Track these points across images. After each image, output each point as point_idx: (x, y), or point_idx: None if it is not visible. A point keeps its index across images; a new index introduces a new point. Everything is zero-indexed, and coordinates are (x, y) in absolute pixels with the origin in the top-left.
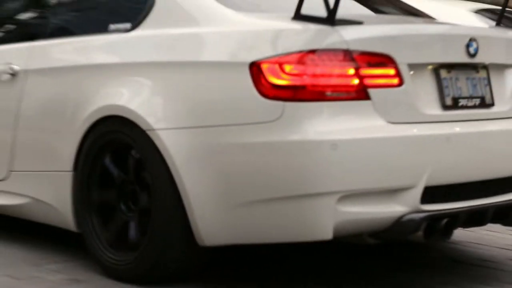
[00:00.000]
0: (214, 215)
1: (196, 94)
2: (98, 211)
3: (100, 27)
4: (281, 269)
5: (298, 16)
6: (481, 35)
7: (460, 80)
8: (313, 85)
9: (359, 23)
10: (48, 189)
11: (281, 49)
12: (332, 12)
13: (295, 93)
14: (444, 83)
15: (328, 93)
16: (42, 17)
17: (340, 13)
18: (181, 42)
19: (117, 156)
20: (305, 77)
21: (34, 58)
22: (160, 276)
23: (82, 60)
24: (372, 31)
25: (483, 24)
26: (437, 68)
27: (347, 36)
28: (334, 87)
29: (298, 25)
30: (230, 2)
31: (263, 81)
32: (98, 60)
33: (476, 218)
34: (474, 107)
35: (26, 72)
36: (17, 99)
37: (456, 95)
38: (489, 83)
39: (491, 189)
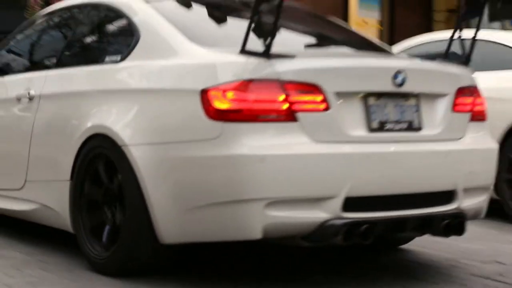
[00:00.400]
0: (170, 217)
1: (159, 115)
2: (87, 213)
3: (99, 59)
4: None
5: (243, 51)
6: (409, 68)
7: (388, 107)
8: (248, 109)
9: (291, 56)
10: (52, 196)
11: (225, 79)
12: (267, 47)
13: (233, 116)
14: (372, 109)
15: (261, 116)
16: (55, 50)
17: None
18: (150, 72)
19: (103, 167)
20: (242, 102)
21: (45, 85)
22: (133, 268)
23: (79, 86)
24: (302, 64)
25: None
26: (366, 96)
27: (279, 68)
28: (266, 111)
29: (241, 59)
30: (197, 38)
31: (209, 105)
32: (91, 87)
33: (396, 226)
34: (401, 130)
35: (40, 97)
36: (31, 119)
37: (383, 120)
38: (418, 110)
39: (411, 202)
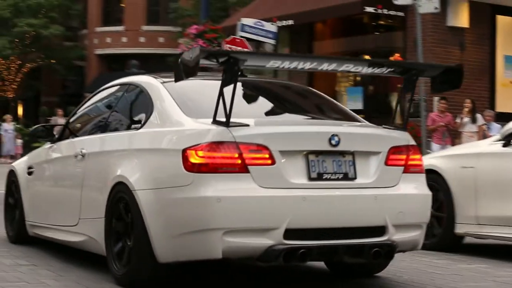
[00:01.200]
0: (162, 243)
1: (156, 167)
2: (114, 241)
3: (127, 126)
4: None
5: (214, 121)
6: (344, 132)
7: (327, 162)
8: (212, 163)
9: (246, 125)
10: (95, 229)
11: (198, 141)
12: (227, 119)
13: (201, 168)
14: (312, 163)
15: (221, 168)
16: (101, 118)
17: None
18: (155, 136)
19: (123, 206)
20: (208, 158)
21: (91, 146)
22: (141, 280)
23: (111, 147)
24: (253, 130)
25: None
26: (307, 153)
27: (236, 134)
28: (224, 165)
29: (211, 127)
30: (189, 111)
31: (186, 160)
32: (118, 147)
33: (329, 252)
34: (337, 179)
35: (88, 154)
36: (83, 171)
37: (321, 171)
38: (353, 164)
39: (344, 234)
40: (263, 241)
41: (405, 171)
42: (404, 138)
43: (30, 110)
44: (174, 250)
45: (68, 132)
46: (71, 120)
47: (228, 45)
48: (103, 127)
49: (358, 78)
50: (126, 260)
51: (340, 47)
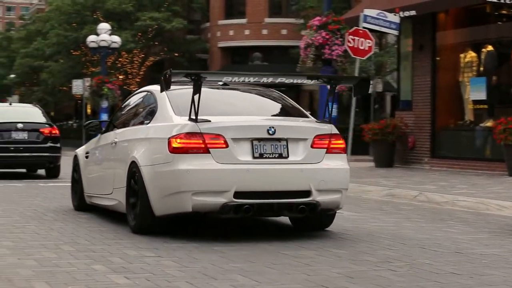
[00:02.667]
0: (156, 201)
1: (153, 150)
2: (130, 202)
3: (141, 122)
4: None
5: (189, 118)
6: (279, 125)
7: (267, 145)
8: (185, 147)
9: (208, 120)
10: (121, 195)
11: (177, 132)
12: (196, 116)
13: (178, 150)
14: (255, 147)
15: (191, 150)
16: (128, 116)
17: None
18: (155, 129)
19: (134, 177)
20: (182, 144)
21: (120, 136)
22: (147, 228)
23: (129, 137)
24: (213, 124)
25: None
26: (252, 140)
27: (201, 127)
28: (193, 148)
29: (186, 123)
30: (178, 112)
31: (170, 145)
32: (133, 137)
33: (267, 208)
34: (274, 158)
35: (118, 142)
36: (114, 154)
37: (262, 152)
38: (287, 147)
39: (278, 195)
40: (219, 200)
41: (327, 152)
42: (327, 128)
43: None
44: (163, 206)
45: (112, 126)
46: (114, 117)
47: (350, 36)
48: (128, 123)
49: (482, 69)
50: (136, 215)
51: (462, 37)
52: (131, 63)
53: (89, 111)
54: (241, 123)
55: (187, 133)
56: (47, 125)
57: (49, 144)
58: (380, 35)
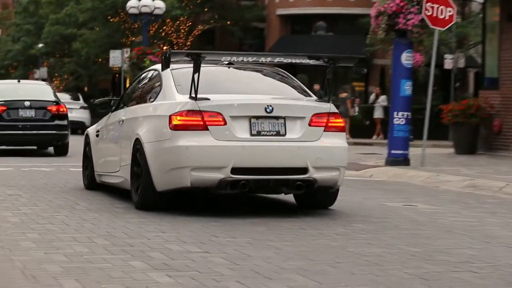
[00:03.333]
0: (157, 177)
1: (154, 127)
2: (134, 179)
3: (147, 100)
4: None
5: (190, 96)
6: (277, 103)
7: (264, 123)
8: (185, 124)
9: (207, 99)
10: (127, 172)
11: (177, 110)
12: (195, 94)
13: (178, 127)
14: (253, 124)
15: (190, 127)
16: (135, 94)
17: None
18: (158, 107)
19: (138, 154)
20: (182, 121)
21: (126, 114)
22: (149, 204)
23: (134, 115)
24: (212, 102)
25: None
26: (250, 117)
27: (200, 105)
28: (192, 125)
29: (187, 100)
30: (180, 90)
31: (170, 122)
32: (138, 115)
33: (264, 184)
34: (271, 135)
35: (124, 120)
36: (121, 132)
37: (260, 130)
38: (284, 125)
39: (275, 172)
40: (217, 175)
41: (326, 130)
42: (325, 107)
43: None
44: (164, 182)
45: (121, 104)
46: (123, 94)
47: (429, 4)
48: (135, 100)
49: None
50: (139, 191)
51: None
52: (176, 32)
53: (128, 86)
54: (240, 101)
55: (187, 111)
56: (54, 103)
57: (56, 122)
58: (462, 3)
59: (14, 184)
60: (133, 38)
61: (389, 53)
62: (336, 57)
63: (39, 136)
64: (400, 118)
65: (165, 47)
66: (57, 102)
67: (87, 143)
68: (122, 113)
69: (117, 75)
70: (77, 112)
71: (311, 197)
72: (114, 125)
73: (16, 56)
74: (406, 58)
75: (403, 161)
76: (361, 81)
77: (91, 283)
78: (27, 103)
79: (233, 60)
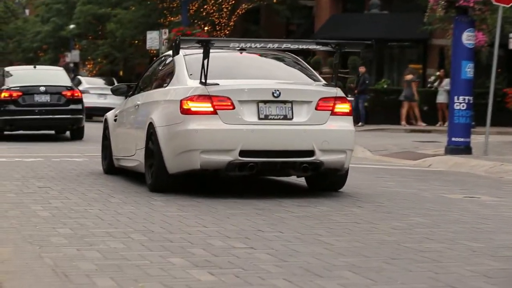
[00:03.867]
0: (169, 159)
1: (168, 112)
2: (148, 161)
3: (161, 85)
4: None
5: (200, 82)
6: (284, 88)
7: (272, 107)
8: (194, 109)
9: (216, 84)
10: (142, 156)
11: (188, 95)
12: (205, 79)
13: (188, 112)
14: (261, 108)
15: (199, 111)
16: (151, 79)
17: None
18: (170, 91)
19: (151, 137)
20: (192, 106)
21: (142, 99)
22: (161, 186)
23: (149, 99)
24: (220, 87)
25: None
26: (258, 102)
27: (209, 89)
28: (202, 109)
29: (197, 86)
30: (192, 75)
31: (181, 107)
32: (153, 99)
33: (271, 166)
34: (279, 119)
35: (140, 104)
36: (136, 116)
37: (267, 114)
38: (292, 109)
39: (282, 154)
40: (226, 158)
41: (332, 114)
42: (332, 92)
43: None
44: (175, 164)
45: (138, 88)
46: (140, 79)
47: None
48: (151, 85)
49: None
50: (152, 174)
51: None
52: (219, 11)
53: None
54: (248, 86)
55: (197, 96)
56: (69, 88)
57: (71, 107)
58: None
59: (44, 175)
60: (172, 18)
61: (449, 33)
62: (344, 42)
63: (54, 120)
64: (461, 103)
65: (206, 28)
66: (72, 87)
67: (105, 128)
68: (138, 98)
69: (154, 58)
70: (111, 98)
71: (321, 180)
72: (131, 110)
73: (46, 38)
74: (467, 38)
75: (465, 149)
76: (418, 62)
77: (127, 281)
78: (42, 89)
79: (242, 46)
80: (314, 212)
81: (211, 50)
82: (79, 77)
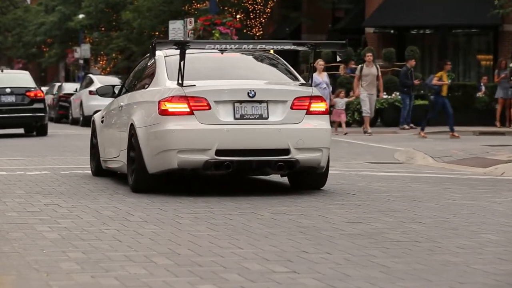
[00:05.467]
0: (148, 159)
1: (146, 113)
2: (130, 162)
3: (143, 86)
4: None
5: (178, 83)
6: (259, 88)
7: (247, 107)
8: (171, 109)
9: (193, 85)
10: (125, 157)
11: (165, 96)
12: (181, 81)
13: (165, 112)
14: (236, 108)
15: (176, 112)
16: (135, 81)
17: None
18: (150, 92)
19: (132, 139)
20: (169, 107)
21: (125, 100)
22: (142, 186)
23: (131, 101)
24: (197, 88)
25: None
26: (234, 102)
27: (186, 90)
28: (178, 110)
29: (174, 87)
30: (170, 76)
31: (159, 108)
32: (135, 100)
33: (247, 165)
34: (254, 118)
35: (123, 106)
36: (120, 117)
37: (243, 113)
38: (267, 108)
39: (258, 153)
40: (202, 157)
41: (308, 113)
42: (308, 91)
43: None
44: (155, 164)
45: (124, 89)
46: (126, 80)
47: None
48: (134, 86)
49: None
50: (133, 174)
51: None
52: None
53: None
54: (223, 87)
55: (173, 97)
56: (32, 89)
57: (34, 106)
58: None
59: (51, 191)
60: (198, 5)
61: None
62: (319, 43)
63: (20, 118)
64: None
65: (238, 16)
66: (35, 88)
67: (93, 130)
68: (123, 99)
69: None
70: None
71: (301, 178)
72: (115, 111)
73: (51, 30)
74: None
75: None
76: (487, 52)
77: None
78: (8, 90)
79: (217, 48)
80: (367, 229)
81: (194, 51)
82: (90, 75)
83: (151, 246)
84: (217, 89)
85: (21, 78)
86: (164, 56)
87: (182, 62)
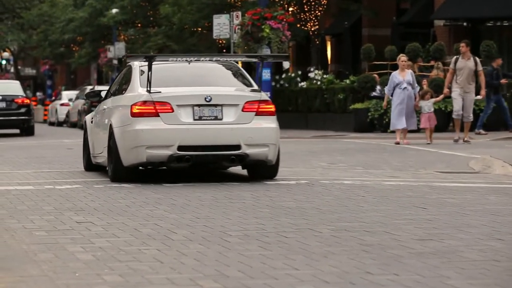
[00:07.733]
0: (123, 153)
1: (121, 115)
2: (109, 156)
3: (122, 92)
4: None
5: (147, 90)
6: (215, 93)
7: (205, 110)
8: (141, 112)
9: (159, 92)
10: (106, 153)
11: (136, 100)
12: (149, 87)
13: (136, 115)
14: (195, 111)
15: (145, 114)
16: (117, 87)
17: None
18: (125, 98)
19: (111, 137)
20: (139, 110)
21: (108, 104)
22: (119, 176)
23: (110, 105)
24: (162, 94)
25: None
26: (193, 106)
27: (153, 96)
28: (147, 113)
29: (143, 93)
30: (142, 84)
31: (131, 111)
32: (114, 104)
33: (204, 158)
34: (211, 119)
35: (107, 108)
36: (104, 118)
37: (201, 115)
38: (221, 111)
39: (213, 148)
40: (167, 152)
41: (257, 114)
42: (257, 96)
43: (344, 50)
44: (128, 158)
45: (109, 94)
46: (111, 85)
47: None
48: (116, 91)
49: None
50: (112, 166)
51: None
52: None
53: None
54: (184, 93)
55: (143, 101)
56: (20, 96)
57: (22, 110)
58: None
59: (83, 207)
60: None
61: None
62: (267, 55)
63: (9, 121)
64: None
65: (291, 9)
66: (23, 96)
67: (85, 129)
68: (107, 102)
69: (224, 50)
70: None
71: (256, 170)
72: (101, 113)
73: (81, 27)
74: None
75: None
76: None
77: None
78: None
79: (178, 60)
80: (439, 247)
81: (163, 61)
82: None
83: (196, 268)
84: (179, 95)
85: (11, 87)
86: (139, 66)
87: (149, 73)
